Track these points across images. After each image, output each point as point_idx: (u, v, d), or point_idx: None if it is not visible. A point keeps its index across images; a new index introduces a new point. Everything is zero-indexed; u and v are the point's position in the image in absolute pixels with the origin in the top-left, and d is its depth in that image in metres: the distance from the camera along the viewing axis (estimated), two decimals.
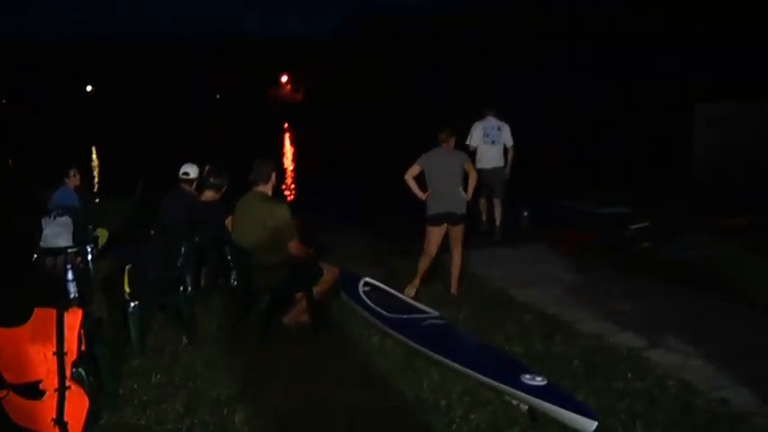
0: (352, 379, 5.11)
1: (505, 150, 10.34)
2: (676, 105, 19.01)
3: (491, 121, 10.37)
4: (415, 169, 7.25)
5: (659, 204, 12.06)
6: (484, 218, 10.65)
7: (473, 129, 10.43)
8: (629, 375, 5.12)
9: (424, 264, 7.33)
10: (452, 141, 7.40)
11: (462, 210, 7.24)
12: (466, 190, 7.32)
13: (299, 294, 6.23)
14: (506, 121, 10.42)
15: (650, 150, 22.66)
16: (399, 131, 37.53)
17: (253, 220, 6.02)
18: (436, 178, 7.20)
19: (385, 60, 70.67)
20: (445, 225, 7.23)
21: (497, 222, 10.31)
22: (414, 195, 7.32)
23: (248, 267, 6.00)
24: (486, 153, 10.27)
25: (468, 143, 10.29)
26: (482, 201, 10.54)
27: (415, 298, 6.87)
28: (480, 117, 10.49)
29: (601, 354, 5.59)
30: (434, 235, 7.25)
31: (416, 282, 7.30)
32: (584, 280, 8.09)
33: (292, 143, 40.32)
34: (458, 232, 7.29)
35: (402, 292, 6.81)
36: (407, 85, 64.05)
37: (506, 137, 10.28)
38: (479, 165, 10.02)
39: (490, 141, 10.26)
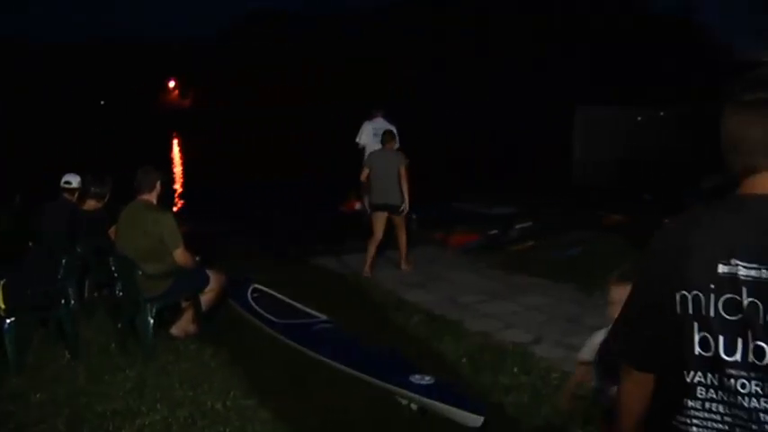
0: (242, 387, 5.05)
1: None
2: (561, 108, 19.74)
3: (380, 122, 10.65)
4: (365, 171, 8.60)
5: (543, 204, 12.50)
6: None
7: (363, 128, 10.84)
8: (515, 370, 5.29)
9: (371, 245, 8.45)
10: (393, 143, 8.76)
11: (398, 201, 8.37)
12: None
13: (185, 303, 6.12)
14: (393, 123, 10.61)
15: (536, 151, 23.38)
16: (291, 135, 37.36)
17: (137, 229, 5.88)
18: (376, 174, 8.43)
19: (275, 63, 70.19)
20: (386, 213, 8.40)
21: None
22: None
23: (133, 277, 5.84)
24: None
25: (357, 141, 10.64)
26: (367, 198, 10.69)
27: (370, 272, 8.31)
28: (370, 117, 10.68)
29: (487, 351, 5.74)
30: (377, 221, 8.44)
31: (369, 261, 8.41)
32: (471, 279, 8.29)
33: (181, 150, 39.45)
34: (398, 220, 8.47)
35: (291, 297, 6.78)
36: (301, 88, 63.88)
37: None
38: None
39: (379, 141, 10.37)
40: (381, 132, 10.40)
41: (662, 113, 18.20)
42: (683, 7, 44.61)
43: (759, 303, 1.53)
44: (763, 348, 1.53)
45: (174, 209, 15.05)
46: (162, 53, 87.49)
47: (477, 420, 4.14)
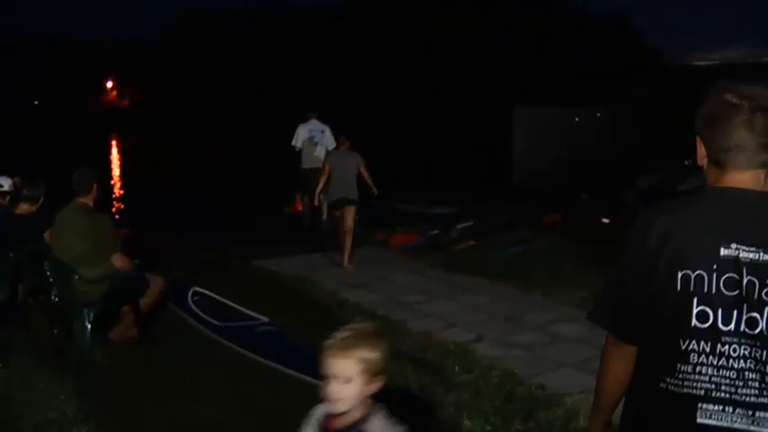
0: (183, 391, 4.99)
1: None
2: (500, 110, 19.97)
3: (315, 124, 11.14)
4: (326, 169, 9.08)
5: (483, 204, 12.65)
6: (308, 214, 11.46)
7: (298, 130, 11.22)
8: (457, 369, 5.35)
9: (341, 237, 8.98)
10: (348, 144, 9.14)
11: (354, 195, 8.93)
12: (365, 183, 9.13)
13: (124, 308, 6.01)
14: (328, 125, 11.18)
15: (476, 153, 23.61)
16: (233, 137, 37.01)
17: (73, 232, 5.75)
18: (335, 172, 8.95)
19: (216, 64, 69.44)
20: (345, 207, 8.89)
21: (324, 216, 10.99)
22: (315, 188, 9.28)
23: (69, 282, 5.72)
24: (310, 154, 11.10)
25: (293, 144, 11.17)
26: (306, 200, 11.31)
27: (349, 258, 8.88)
28: (304, 120, 11.16)
29: (430, 350, 5.79)
30: (340, 214, 9.01)
31: (346, 252, 8.93)
32: (413, 279, 8.34)
33: (120, 151, 38.68)
34: (350, 212, 8.89)
35: (233, 299, 6.70)
36: (237, 91, 63.31)
37: (329, 139, 11.04)
38: (305, 165, 11.06)
39: (314, 143, 11.06)
40: (316, 133, 11.09)
41: (598, 114, 18.60)
42: (619, 13, 45.84)
43: (756, 281, 1.83)
44: (756, 319, 1.83)
45: (113, 211, 14.78)
46: (99, 53, 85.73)
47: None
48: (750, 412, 1.84)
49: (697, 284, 1.85)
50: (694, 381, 1.87)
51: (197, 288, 6.73)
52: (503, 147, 18.17)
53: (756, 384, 1.83)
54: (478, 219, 10.99)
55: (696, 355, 1.86)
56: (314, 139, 11.12)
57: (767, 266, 1.82)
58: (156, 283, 6.13)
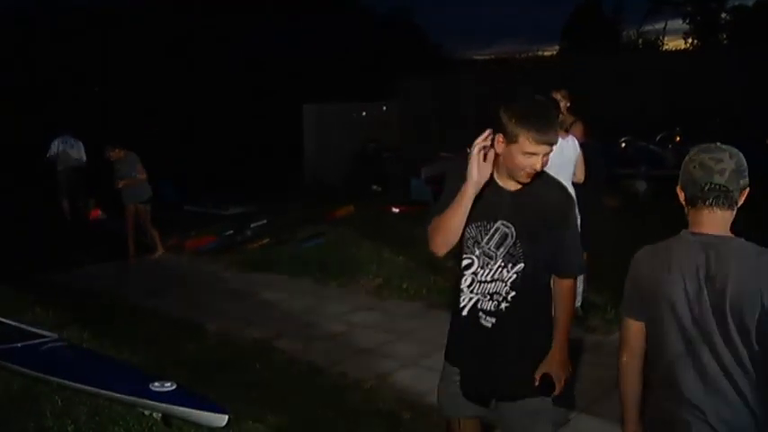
0: None
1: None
2: (290, 107, 19.91)
3: (67, 137, 12.64)
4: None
5: (277, 201, 12.73)
6: (69, 217, 12.35)
7: (52, 145, 12.60)
8: (258, 366, 5.38)
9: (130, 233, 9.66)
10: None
11: (150, 193, 9.60)
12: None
13: None
14: (80, 139, 12.77)
15: (268, 151, 23.48)
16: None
17: None
18: (128, 174, 9.45)
19: None
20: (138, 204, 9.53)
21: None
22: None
23: None
24: (65, 156, 12.48)
25: (48, 155, 12.49)
26: (65, 202, 12.44)
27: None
28: (58, 135, 12.63)
29: (230, 350, 5.79)
30: (130, 213, 9.51)
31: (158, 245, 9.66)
32: (209, 280, 8.28)
33: None
34: (143, 210, 9.50)
35: (18, 319, 6.24)
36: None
37: (81, 149, 12.64)
38: (60, 166, 12.46)
39: (69, 147, 12.53)
40: (68, 144, 12.54)
41: (384, 108, 19.09)
42: (401, 9, 47.56)
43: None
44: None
45: None
46: None
47: (221, 420, 4.15)
48: None
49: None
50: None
51: None
52: (294, 144, 18.21)
53: None
54: (273, 216, 11.05)
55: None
56: (68, 144, 12.50)
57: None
58: None
